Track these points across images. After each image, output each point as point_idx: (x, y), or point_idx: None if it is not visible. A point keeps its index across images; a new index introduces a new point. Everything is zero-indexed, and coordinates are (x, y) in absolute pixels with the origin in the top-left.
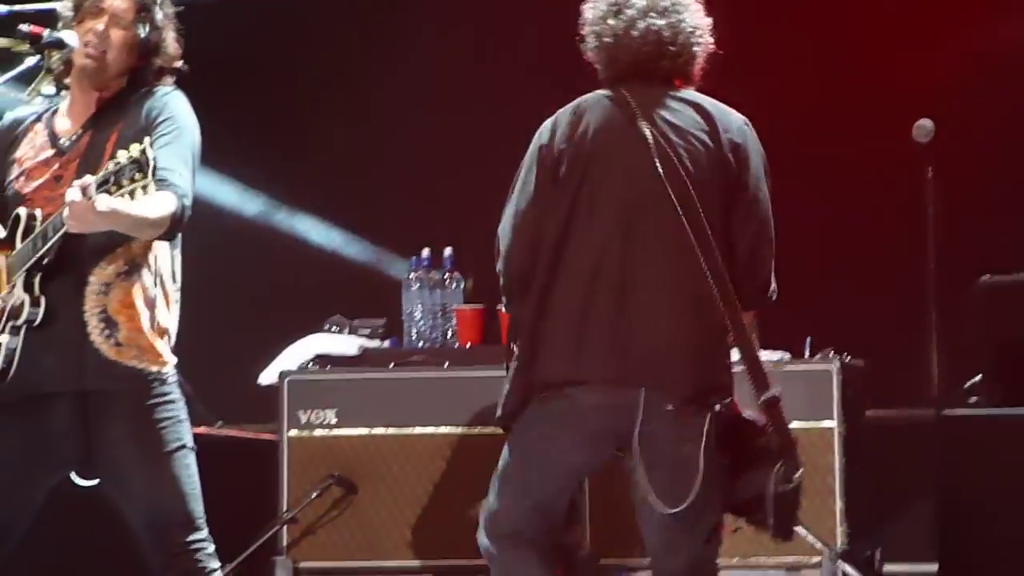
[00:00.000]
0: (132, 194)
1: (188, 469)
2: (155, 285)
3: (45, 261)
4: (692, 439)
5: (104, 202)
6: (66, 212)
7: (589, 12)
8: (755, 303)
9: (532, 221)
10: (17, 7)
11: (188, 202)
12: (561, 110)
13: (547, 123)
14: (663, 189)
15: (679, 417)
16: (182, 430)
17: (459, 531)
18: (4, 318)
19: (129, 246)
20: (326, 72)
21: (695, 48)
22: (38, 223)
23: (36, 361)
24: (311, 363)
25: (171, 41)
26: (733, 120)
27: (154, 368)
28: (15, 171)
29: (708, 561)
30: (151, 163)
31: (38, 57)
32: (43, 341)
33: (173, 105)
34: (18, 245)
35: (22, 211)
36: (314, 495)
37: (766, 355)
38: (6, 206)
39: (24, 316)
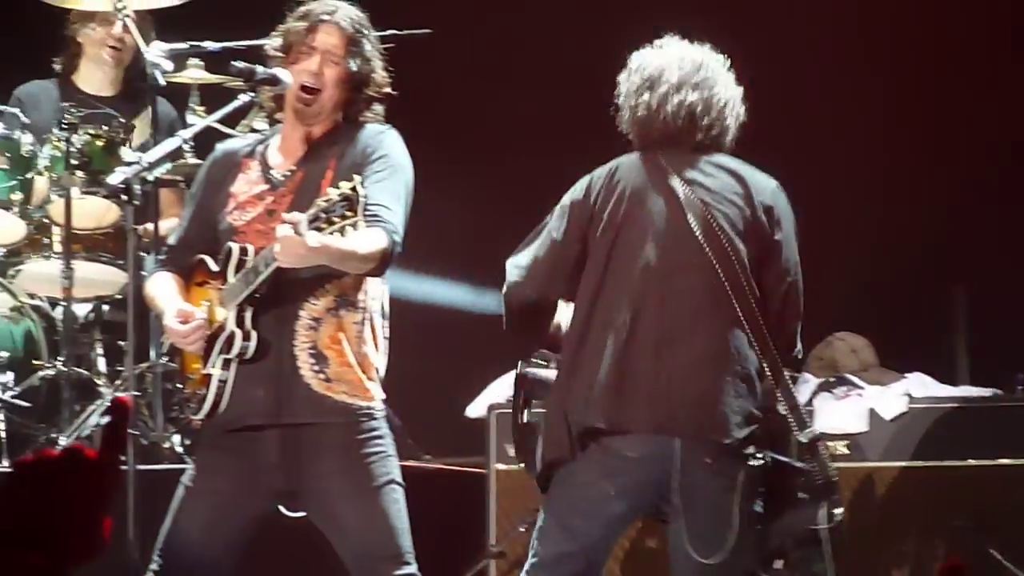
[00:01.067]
0: (343, 231)
1: (397, 504)
2: (364, 321)
3: (256, 295)
4: (729, 489)
5: (315, 238)
6: (277, 247)
7: (624, 85)
8: (789, 360)
9: (546, 271)
10: (228, 44)
11: (399, 239)
12: (596, 170)
13: (582, 181)
14: (698, 246)
15: (716, 468)
16: (390, 464)
17: None
18: (216, 352)
19: (340, 281)
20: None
21: (727, 121)
22: (250, 258)
23: (246, 394)
24: None
25: (380, 70)
26: (766, 184)
27: (363, 403)
28: (230, 205)
29: None
30: (361, 200)
31: (251, 94)
32: (253, 374)
33: (388, 143)
34: (230, 279)
35: (234, 246)
36: (522, 528)
37: (974, 390)
38: (218, 239)
39: (236, 350)
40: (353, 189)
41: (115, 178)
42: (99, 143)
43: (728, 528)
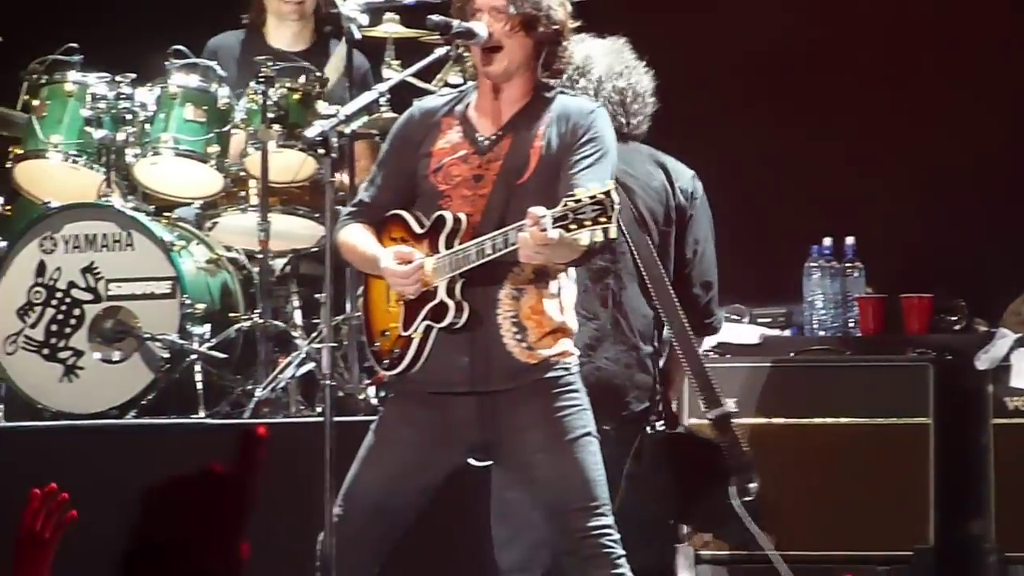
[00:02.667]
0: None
1: (593, 456)
2: (560, 289)
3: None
4: (625, 455)
5: (559, 236)
6: (520, 235)
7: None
8: (699, 332)
9: None
10: None
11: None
12: None
13: None
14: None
15: (616, 436)
16: (586, 418)
17: (857, 521)
18: (421, 317)
19: None
20: None
21: (648, 109)
22: (462, 228)
23: (448, 361)
24: (712, 351)
25: (554, 6)
26: (683, 172)
27: (560, 360)
28: (432, 164)
29: None
30: (616, 207)
31: (446, 48)
32: (456, 342)
33: (599, 124)
34: (441, 247)
35: (447, 214)
36: None
37: None
38: (414, 197)
39: (447, 321)
40: (607, 194)
41: (312, 131)
42: (295, 96)
43: (615, 489)
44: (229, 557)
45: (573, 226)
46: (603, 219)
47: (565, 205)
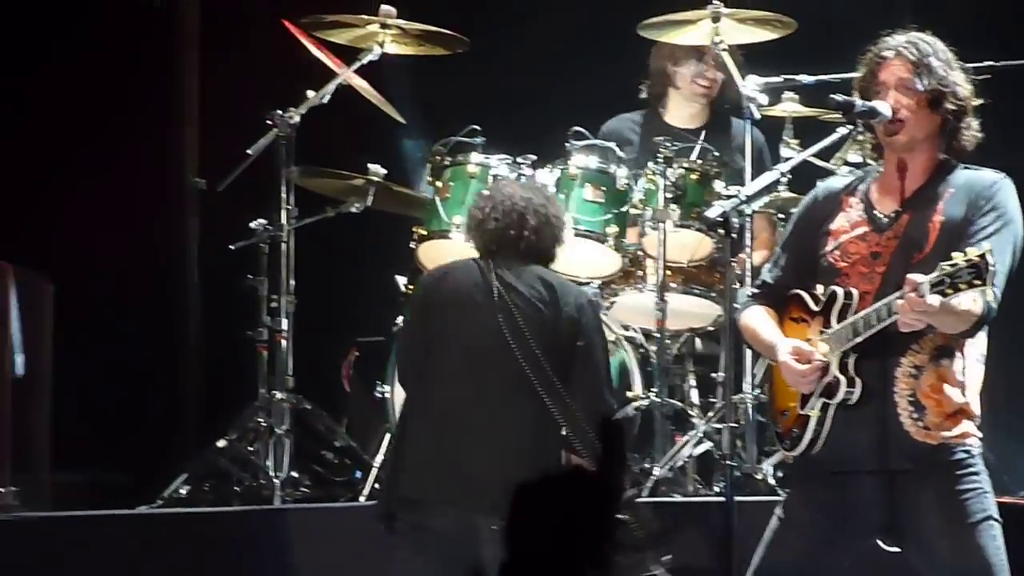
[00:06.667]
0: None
1: (994, 540)
2: (964, 369)
3: (861, 343)
4: None
5: (937, 301)
6: (898, 303)
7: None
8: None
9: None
10: (822, 76)
11: (995, 305)
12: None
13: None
14: (506, 342)
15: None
16: (987, 501)
17: None
18: (816, 394)
19: (941, 332)
20: None
21: (551, 229)
22: (854, 303)
23: (845, 438)
24: None
25: (961, 83)
26: (572, 293)
27: (960, 443)
28: (830, 244)
29: None
30: (991, 270)
31: (848, 127)
32: (852, 419)
33: (1002, 195)
34: (833, 323)
35: (839, 290)
36: None
37: None
38: (815, 276)
39: (839, 396)
40: (982, 256)
41: (713, 211)
42: (693, 176)
43: None
44: (601, 562)
45: (950, 291)
46: (978, 282)
47: (942, 270)
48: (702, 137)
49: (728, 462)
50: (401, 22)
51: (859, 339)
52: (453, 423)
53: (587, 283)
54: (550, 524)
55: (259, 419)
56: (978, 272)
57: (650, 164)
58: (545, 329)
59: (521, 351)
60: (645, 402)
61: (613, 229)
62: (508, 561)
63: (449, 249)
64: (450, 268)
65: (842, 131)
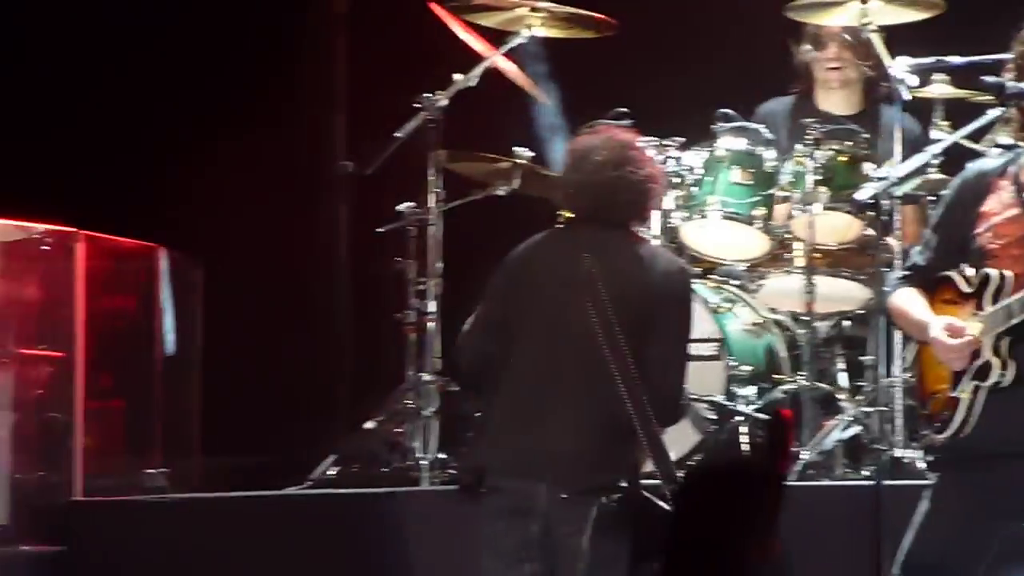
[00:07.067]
0: None
1: None
2: None
3: (1014, 325)
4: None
5: None
6: None
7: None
8: (665, 421)
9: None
10: (973, 58)
11: None
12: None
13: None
14: (590, 320)
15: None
16: None
17: None
18: (968, 377)
19: None
20: None
21: (646, 195)
22: (1007, 285)
23: (996, 422)
24: None
25: None
26: (662, 261)
27: None
28: (981, 226)
29: None
30: None
31: (1000, 109)
32: (1003, 403)
33: None
34: (986, 305)
35: (992, 272)
36: None
37: None
38: (966, 258)
39: (992, 379)
40: None
41: (863, 194)
42: (842, 159)
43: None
44: (766, 551)
45: None
46: None
47: None
48: (856, 123)
49: (877, 446)
50: (549, 5)
51: (1013, 322)
52: (534, 399)
53: (734, 266)
54: (720, 513)
55: (407, 401)
56: None
57: (798, 146)
58: (630, 307)
59: (604, 334)
60: (793, 386)
61: (761, 211)
62: (675, 548)
63: None
64: (535, 247)
65: (993, 113)
